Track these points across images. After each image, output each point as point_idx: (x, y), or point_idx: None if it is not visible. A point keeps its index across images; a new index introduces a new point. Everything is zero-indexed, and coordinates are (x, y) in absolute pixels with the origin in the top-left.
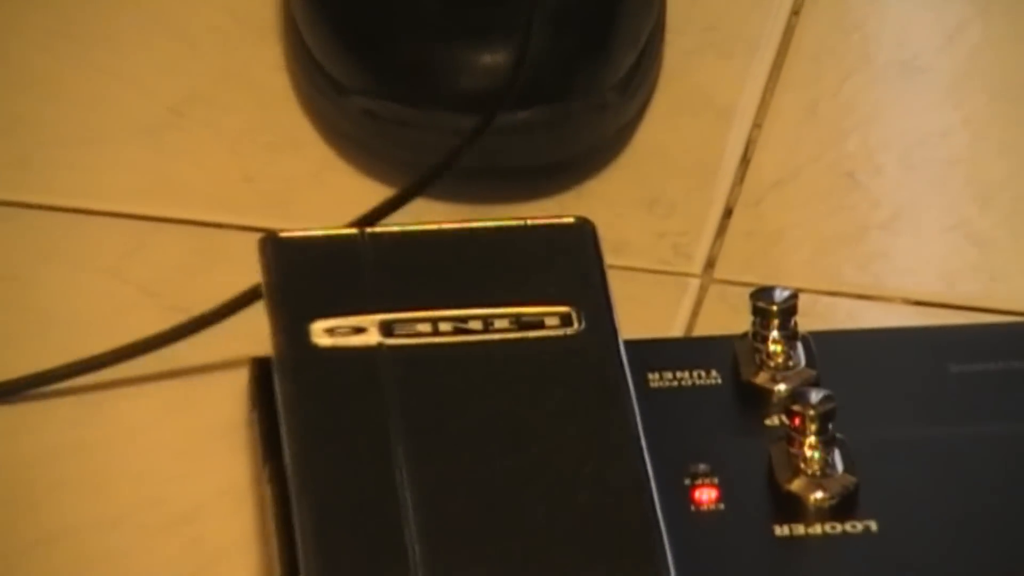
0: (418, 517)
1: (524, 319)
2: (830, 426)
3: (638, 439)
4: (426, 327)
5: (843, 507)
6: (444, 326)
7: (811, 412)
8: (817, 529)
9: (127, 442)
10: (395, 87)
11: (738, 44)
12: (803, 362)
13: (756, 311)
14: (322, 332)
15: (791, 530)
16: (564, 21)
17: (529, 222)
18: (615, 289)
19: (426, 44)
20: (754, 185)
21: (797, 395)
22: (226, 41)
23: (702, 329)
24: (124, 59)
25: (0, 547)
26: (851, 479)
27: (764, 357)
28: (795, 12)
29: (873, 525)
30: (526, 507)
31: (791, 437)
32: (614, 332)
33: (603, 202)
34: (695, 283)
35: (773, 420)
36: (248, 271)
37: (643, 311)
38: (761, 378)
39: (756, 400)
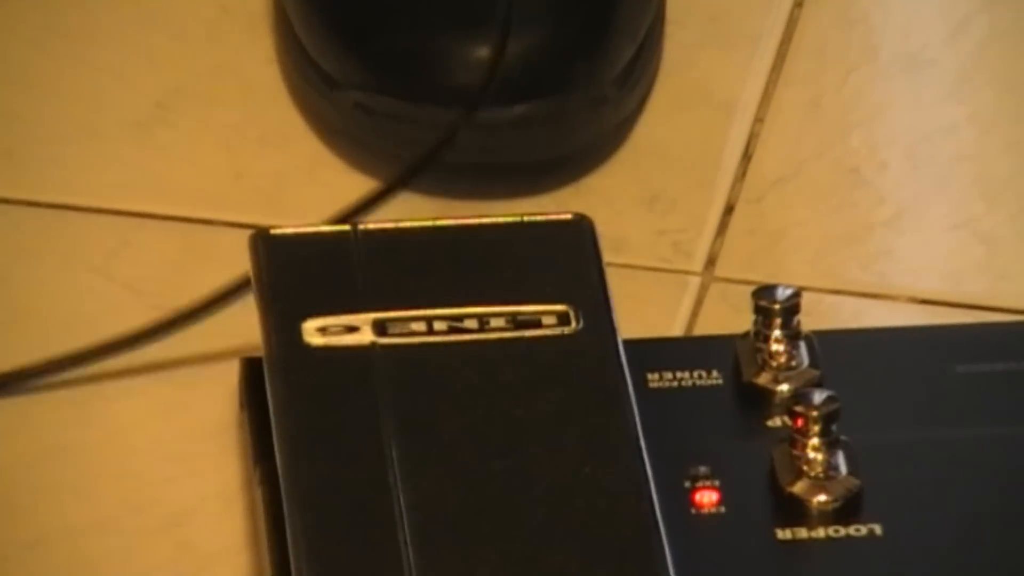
0: (412, 520)
1: (521, 318)
2: (834, 427)
3: (637, 440)
4: (420, 326)
5: (847, 510)
6: (439, 325)
7: (814, 413)
8: (820, 533)
9: (115, 443)
10: (388, 81)
11: (740, 37)
12: (806, 362)
13: (758, 310)
14: (314, 331)
15: (793, 534)
16: (562, 13)
17: (526, 219)
18: (614, 287)
19: (420, 37)
20: (756, 181)
21: (800, 396)
22: (215, 33)
23: (703, 328)
24: (110, 52)
25: None
26: (855, 482)
27: (766, 357)
28: (798, 4)
29: (878, 529)
30: (522, 510)
31: (793, 439)
32: (613, 331)
33: (602, 198)
34: (696, 281)
35: (775, 421)
36: (238, 269)
37: (643, 310)
38: (763, 378)
39: (758, 401)
